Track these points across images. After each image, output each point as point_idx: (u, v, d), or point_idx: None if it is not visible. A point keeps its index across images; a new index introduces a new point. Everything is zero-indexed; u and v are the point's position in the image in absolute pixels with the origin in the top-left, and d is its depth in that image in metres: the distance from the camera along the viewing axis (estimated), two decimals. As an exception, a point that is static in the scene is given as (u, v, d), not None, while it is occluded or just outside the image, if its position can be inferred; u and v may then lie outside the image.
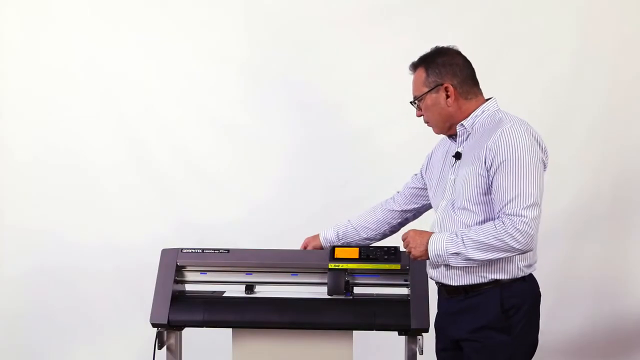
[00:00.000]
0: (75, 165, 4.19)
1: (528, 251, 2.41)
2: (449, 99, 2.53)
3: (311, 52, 4.15)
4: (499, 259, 2.40)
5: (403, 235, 2.61)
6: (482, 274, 2.46)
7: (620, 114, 4.06)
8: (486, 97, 2.59)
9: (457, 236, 2.43)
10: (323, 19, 4.14)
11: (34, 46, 4.20)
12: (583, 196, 4.07)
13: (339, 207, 4.10)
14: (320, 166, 4.16)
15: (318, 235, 2.98)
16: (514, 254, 2.40)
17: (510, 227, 2.34)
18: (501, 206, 2.38)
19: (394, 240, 2.85)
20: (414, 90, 2.61)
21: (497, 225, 2.37)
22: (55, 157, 4.20)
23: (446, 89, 2.53)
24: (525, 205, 2.34)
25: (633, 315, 4.05)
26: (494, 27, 4.06)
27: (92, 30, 4.18)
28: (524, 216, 2.34)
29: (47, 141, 4.20)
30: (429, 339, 2.74)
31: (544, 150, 2.47)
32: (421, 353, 2.79)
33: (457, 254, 2.42)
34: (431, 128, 2.64)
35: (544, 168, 2.47)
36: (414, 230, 2.58)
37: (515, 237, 2.34)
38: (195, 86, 4.20)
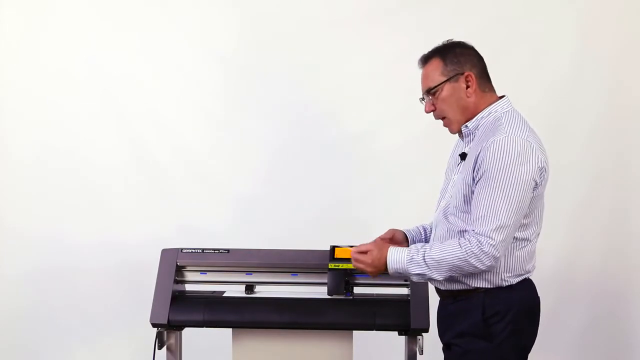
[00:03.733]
0: (75, 166, 4.18)
1: (489, 271, 2.34)
2: (469, 89, 2.41)
3: (312, 53, 4.14)
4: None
5: (359, 247, 2.49)
6: (465, 282, 2.39)
7: (621, 114, 4.05)
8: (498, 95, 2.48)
9: (417, 254, 2.35)
10: (322, 20, 4.13)
11: (34, 46, 4.18)
12: (584, 196, 4.07)
13: (340, 208, 4.11)
14: (321, 166, 4.14)
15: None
16: (477, 272, 2.34)
17: (475, 246, 2.27)
18: (472, 220, 2.31)
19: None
20: (428, 82, 2.44)
21: (462, 244, 2.30)
22: (55, 158, 4.18)
23: (467, 78, 2.40)
24: (495, 227, 2.25)
25: (633, 315, 4.05)
26: (494, 27, 4.04)
27: (93, 30, 4.16)
28: (492, 238, 2.26)
29: (47, 141, 4.19)
30: (429, 339, 2.74)
31: (541, 167, 2.32)
32: (421, 353, 2.80)
33: (420, 274, 2.36)
34: (447, 128, 2.50)
35: (536, 186, 2.32)
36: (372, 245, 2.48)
37: (480, 257, 2.27)
38: (196, 86, 4.19)
